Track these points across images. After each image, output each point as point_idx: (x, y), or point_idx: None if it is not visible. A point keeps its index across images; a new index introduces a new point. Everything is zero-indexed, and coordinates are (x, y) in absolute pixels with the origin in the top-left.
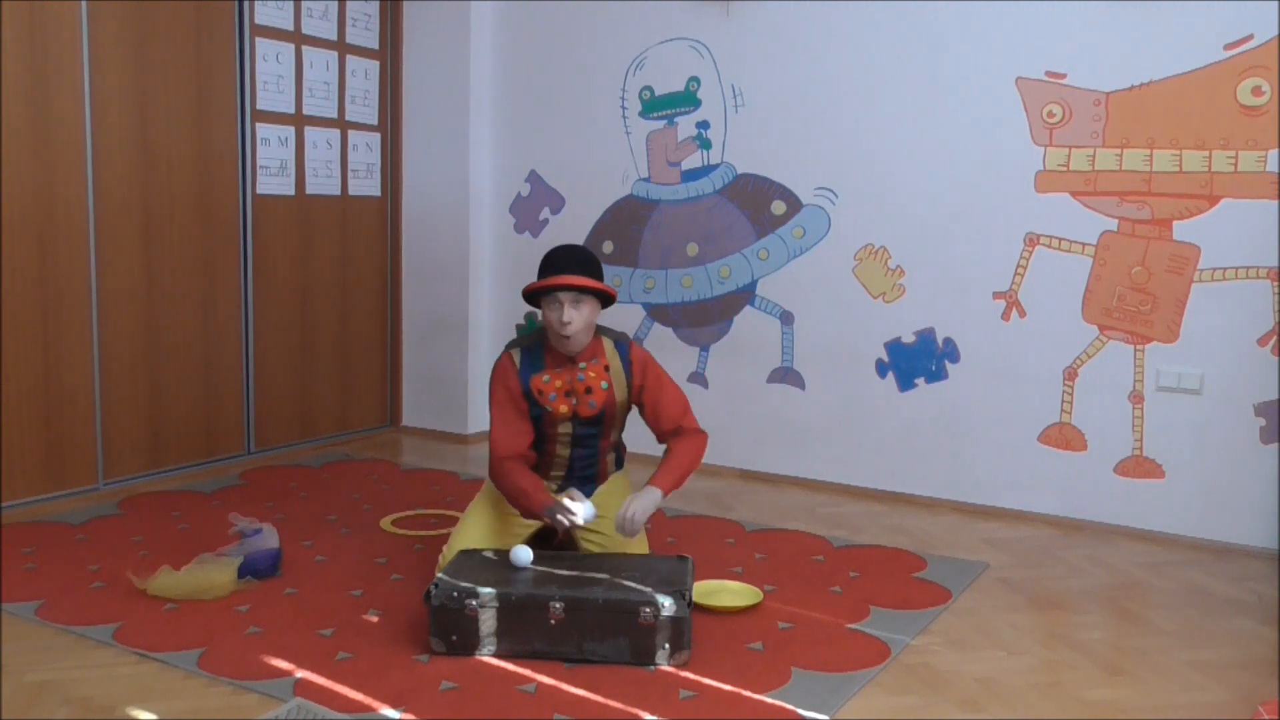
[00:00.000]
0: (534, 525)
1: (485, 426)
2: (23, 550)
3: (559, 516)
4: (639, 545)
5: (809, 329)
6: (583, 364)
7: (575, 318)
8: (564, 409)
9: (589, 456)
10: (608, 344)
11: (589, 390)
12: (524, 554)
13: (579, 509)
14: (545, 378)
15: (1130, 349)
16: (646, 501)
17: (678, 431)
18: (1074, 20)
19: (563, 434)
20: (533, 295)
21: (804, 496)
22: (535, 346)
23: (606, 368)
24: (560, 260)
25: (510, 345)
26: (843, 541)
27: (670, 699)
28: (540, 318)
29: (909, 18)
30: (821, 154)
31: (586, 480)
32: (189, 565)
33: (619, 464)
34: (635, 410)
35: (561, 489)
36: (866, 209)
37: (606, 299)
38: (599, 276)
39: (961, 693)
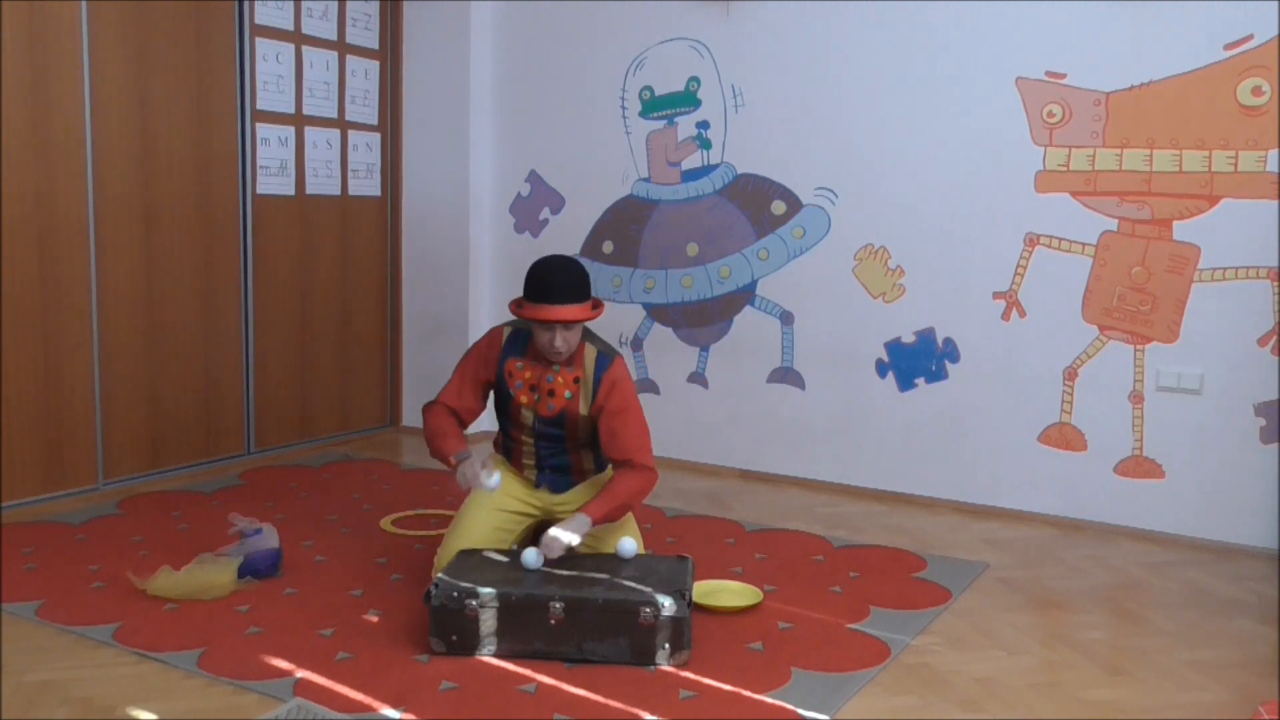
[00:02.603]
0: (526, 524)
1: (485, 427)
2: (23, 550)
3: (461, 473)
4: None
5: (809, 329)
6: (556, 366)
7: (568, 341)
8: (524, 399)
9: (555, 449)
10: (590, 355)
11: (551, 393)
12: (533, 557)
13: (484, 477)
14: (519, 364)
15: (1130, 349)
16: (571, 527)
17: (627, 464)
18: (1074, 20)
19: (525, 422)
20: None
21: (804, 496)
22: (525, 333)
23: (577, 379)
24: (553, 286)
25: (509, 323)
26: (843, 541)
27: (670, 699)
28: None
29: (909, 17)
30: (821, 154)
31: (559, 471)
32: (189, 565)
33: (600, 466)
34: None
35: (537, 484)
36: (866, 209)
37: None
38: (588, 292)
39: (961, 693)
